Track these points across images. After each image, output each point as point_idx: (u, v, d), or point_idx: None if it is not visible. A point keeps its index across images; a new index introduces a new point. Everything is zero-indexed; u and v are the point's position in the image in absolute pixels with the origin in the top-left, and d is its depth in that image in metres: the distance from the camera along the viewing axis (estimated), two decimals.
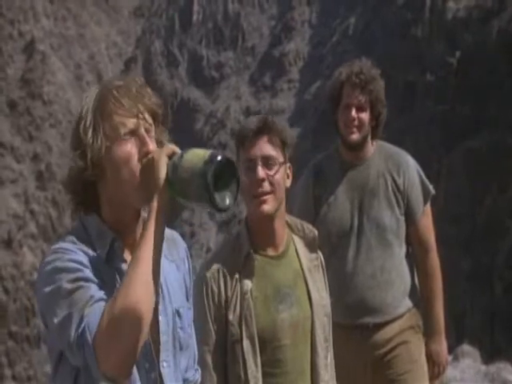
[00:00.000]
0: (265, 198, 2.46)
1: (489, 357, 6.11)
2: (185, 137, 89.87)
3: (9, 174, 70.05)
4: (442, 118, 44.79)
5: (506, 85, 38.71)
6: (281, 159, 2.48)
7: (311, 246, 2.64)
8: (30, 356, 60.11)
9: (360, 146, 3.37)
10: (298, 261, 2.59)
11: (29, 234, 67.57)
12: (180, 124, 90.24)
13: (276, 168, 2.46)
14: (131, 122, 1.83)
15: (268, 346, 2.47)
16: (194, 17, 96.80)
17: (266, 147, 2.46)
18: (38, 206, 70.79)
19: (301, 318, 2.53)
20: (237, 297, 2.46)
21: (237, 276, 2.49)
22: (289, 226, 2.63)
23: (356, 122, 3.31)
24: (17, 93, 76.16)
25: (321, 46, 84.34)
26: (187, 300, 2.07)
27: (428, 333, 3.49)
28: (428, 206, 3.46)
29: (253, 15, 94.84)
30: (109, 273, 1.84)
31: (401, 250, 3.40)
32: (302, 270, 2.59)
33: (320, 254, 2.69)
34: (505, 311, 30.84)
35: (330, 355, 2.65)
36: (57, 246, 1.83)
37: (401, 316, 3.38)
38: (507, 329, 29.88)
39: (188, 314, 2.05)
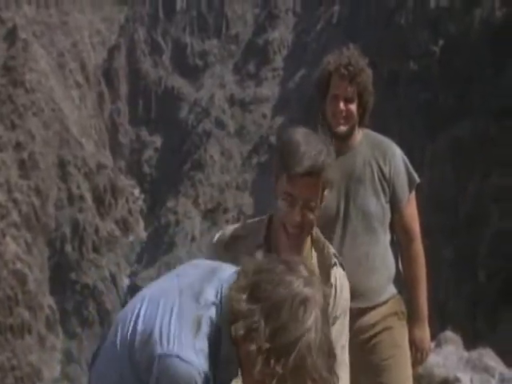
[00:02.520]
0: (296, 236, 2.47)
1: (471, 343, 6.16)
2: (169, 125, 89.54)
3: None
4: (425, 106, 44.93)
5: (489, 73, 38.85)
6: (320, 200, 2.45)
7: (325, 270, 2.58)
8: (14, 345, 59.89)
9: (347, 135, 3.40)
10: None
11: (12, 223, 67.19)
12: (164, 112, 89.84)
13: (315, 212, 2.44)
14: None
15: None
16: (178, 4, 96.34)
17: (310, 191, 2.40)
18: (21, 195, 70.40)
19: None
20: None
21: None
22: (312, 240, 2.61)
23: (344, 114, 3.32)
24: None
25: (305, 35, 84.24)
26: None
27: (411, 319, 3.53)
28: (413, 194, 3.49)
29: (237, 3, 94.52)
30: None
31: (386, 238, 3.43)
32: None
33: (335, 282, 2.60)
34: (488, 298, 31.05)
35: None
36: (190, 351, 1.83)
37: (385, 302, 3.41)
38: (490, 316, 30.10)
39: None
